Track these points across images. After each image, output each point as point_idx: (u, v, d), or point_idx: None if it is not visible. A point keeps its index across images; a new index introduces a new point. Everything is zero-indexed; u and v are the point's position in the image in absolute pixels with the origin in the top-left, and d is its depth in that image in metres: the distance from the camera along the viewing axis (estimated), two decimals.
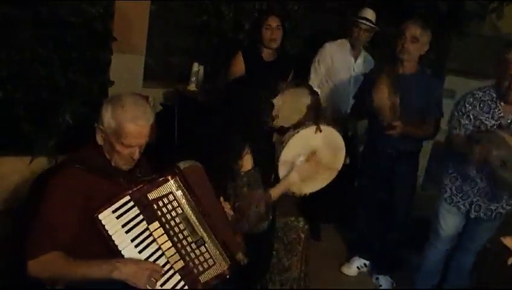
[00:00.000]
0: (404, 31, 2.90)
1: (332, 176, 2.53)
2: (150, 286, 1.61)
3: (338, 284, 3.17)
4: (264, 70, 3.20)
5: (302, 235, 2.38)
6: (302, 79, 3.31)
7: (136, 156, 1.75)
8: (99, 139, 1.74)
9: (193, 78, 3.84)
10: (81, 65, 2.99)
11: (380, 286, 3.23)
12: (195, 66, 3.85)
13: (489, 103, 2.58)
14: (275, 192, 2.26)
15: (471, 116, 2.60)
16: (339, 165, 2.52)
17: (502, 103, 2.55)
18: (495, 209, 2.69)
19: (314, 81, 3.56)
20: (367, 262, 3.39)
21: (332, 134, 2.45)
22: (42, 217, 1.63)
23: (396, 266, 3.36)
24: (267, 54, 3.27)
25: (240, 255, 1.89)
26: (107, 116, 1.70)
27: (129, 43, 3.58)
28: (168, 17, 3.93)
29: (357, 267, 3.38)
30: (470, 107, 2.60)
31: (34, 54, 2.82)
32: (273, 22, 3.19)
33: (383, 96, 2.79)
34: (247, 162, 2.16)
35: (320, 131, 2.40)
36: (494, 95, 2.57)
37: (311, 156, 2.39)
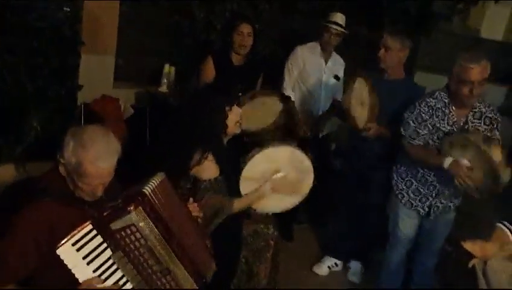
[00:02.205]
0: (380, 40, 2.95)
1: (296, 202, 2.49)
2: None
3: (310, 284, 3.22)
4: (234, 74, 3.18)
5: (272, 243, 2.40)
6: (272, 87, 3.31)
7: (99, 193, 1.67)
8: (62, 171, 1.66)
9: (164, 80, 3.81)
10: (49, 71, 2.93)
11: (349, 268, 3.34)
12: (167, 67, 3.83)
13: (443, 109, 2.58)
14: (240, 203, 2.25)
15: (429, 126, 2.60)
16: (305, 190, 2.47)
17: (454, 107, 2.57)
18: (447, 205, 2.76)
19: (288, 84, 3.58)
20: (338, 262, 3.45)
21: (300, 156, 2.41)
22: (0, 251, 1.60)
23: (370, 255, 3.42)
24: (236, 59, 3.26)
25: (210, 274, 1.90)
26: (68, 152, 1.61)
27: (99, 44, 3.53)
28: (139, 17, 3.87)
29: (329, 266, 3.43)
30: (427, 117, 2.60)
31: (0, 60, 2.76)
32: (245, 28, 3.17)
33: (349, 100, 2.81)
34: (209, 169, 2.15)
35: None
36: (446, 100, 2.58)
37: (272, 177, 2.35)
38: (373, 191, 3.18)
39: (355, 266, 3.36)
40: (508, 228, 2.05)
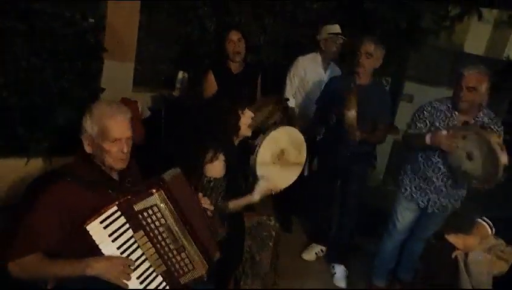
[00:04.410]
0: (360, 47, 2.90)
1: (300, 170, 2.57)
2: (124, 280, 1.60)
3: (300, 270, 3.22)
4: (234, 82, 3.16)
5: (273, 233, 2.40)
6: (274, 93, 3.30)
7: (126, 150, 1.73)
8: (88, 148, 1.71)
9: (178, 85, 3.81)
10: (75, 74, 2.93)
11: (335, 273, 3.25)
12: (180, 74, 3.82)
13: (446, 112, 2.63)
14: (232, 205, 2.26)
15: (427, 122, 2.67)
16: (303, 159, 2.57)
17: (456, 113, 2.61)
18: (446, 205, 2.78)
19: (289, 91, 3.57)
20: (324, 248, 3.45)
21: (294, 132, 2.50)
22: (27, 225, 1.61)
23: (350, 255, 3.38)
24: (234, 67, 3.22)
25: (216, 256, 1.90)
26: (88, 123, 1.70)
27: (120, 52, 3.53)
28: (157, 28, 3.87)
29: (315, 253, 3.43)
30: (428, 114, 2.67)
31: (28, 63, 2.76)
32: (234, 36, 3.13)
33: (353, 114, 2.75)
34: (217, 169, 2.16)
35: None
36: (450, 105, 2.63)
37: (281, 156, 2.42)
38: (350, 183, 3.15)
39: (339, 270, 3.26)
40: (487, 223, 2.04)
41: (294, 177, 2.56)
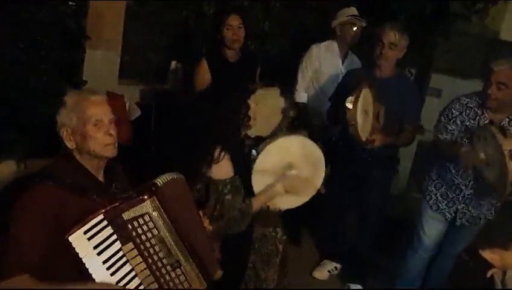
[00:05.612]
0: (381, 36, 2.87)
1: (311, 194, 2.45)
2: None
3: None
4: (231, 71, 3.13)
5: (280, 247, 2.39)
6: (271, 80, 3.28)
7: (112, 131, 1.76)
8: (70, 143, 1.73)
9: (171, 77, 3.81)
10: (53, 65, 2.94)
11: None
12: (173, 64, 3.83)
13: (476, 109, 2.64)
14: (257, 202, 2.23)
15: (458, 122, 2.67)
16: (319, 181, 2.44)
17: (489, 110, 2.60)
18: (477, 216, 2.77)
19: (301, 85, 3.55)
20: (338, 265, 3.43)
21: (311, 146, 2.38)
22: (10, 239, 1.59)
23: (369, 273, 3.36)
24: (231, 55, 3.18)
25: (217, 274, 1.89)
26: (64, 114, 1.73)
27: (104, 40, 3.54)
28: (146, 13, 3.88)
29: (329, 270, 3.41)
30: (457, 113, 2.67)
31: (2, 54, 2.77)
32: (234, 21, 3.08)
33: (355, 114, 2.70)
34: (226, 169, 2.15)
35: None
36: (480, 102, 2.63)
37: (286, 171, 2.33)
38: (371, 192, 3.14)
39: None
40: None
41: (302, 202, 2.45)
